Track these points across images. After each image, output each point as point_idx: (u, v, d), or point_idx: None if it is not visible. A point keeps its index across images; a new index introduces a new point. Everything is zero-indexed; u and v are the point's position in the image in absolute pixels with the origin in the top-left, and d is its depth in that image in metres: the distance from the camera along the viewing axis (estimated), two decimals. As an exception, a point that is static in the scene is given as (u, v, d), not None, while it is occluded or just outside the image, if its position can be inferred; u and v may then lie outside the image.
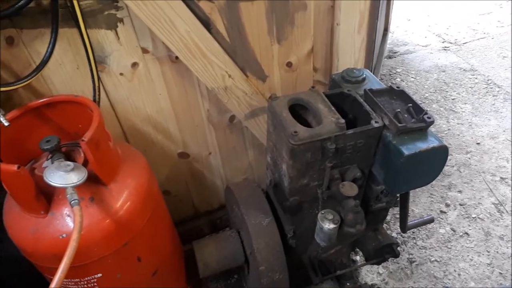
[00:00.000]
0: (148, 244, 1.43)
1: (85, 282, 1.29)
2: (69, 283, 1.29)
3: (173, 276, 1.71)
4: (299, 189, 1.38)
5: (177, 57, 1.54)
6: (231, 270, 1.76)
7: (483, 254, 2.20)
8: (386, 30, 3.60)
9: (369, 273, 2.14)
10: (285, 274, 1.55)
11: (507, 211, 2.42)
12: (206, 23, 1.50)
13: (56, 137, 1.19)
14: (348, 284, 1.97)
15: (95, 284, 1.31)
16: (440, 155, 1.26)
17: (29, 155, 1.31)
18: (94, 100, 1.45)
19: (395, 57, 4.07)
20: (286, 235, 1.55)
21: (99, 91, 1.46)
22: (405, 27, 4.62)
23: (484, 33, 4.36)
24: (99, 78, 1.46)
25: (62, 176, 1.09)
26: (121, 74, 1.54)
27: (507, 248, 2.22)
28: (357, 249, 1.94)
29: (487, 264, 2.16)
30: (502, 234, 2.30)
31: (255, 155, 2.11)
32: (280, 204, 1.59)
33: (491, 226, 2.35)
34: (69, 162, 1.14)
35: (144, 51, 1.52)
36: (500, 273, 2.11)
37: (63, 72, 1.45)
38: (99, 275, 1.30)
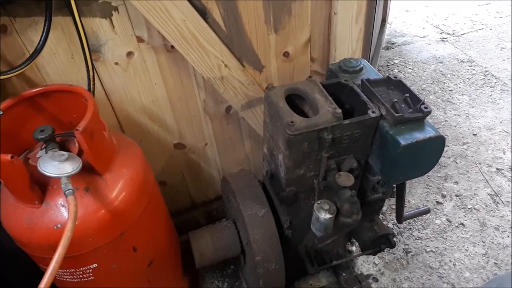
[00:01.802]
0: (143, 235, 1.43)
1: (81, 272, 1.29)
2: (65, 273, 1.29)
3: (169, 266, 1.71)
4: (295, 179, 1.38)
5: (172, 47, 1.53)
6: (228, 260, 1.77)
7: (478, 245, 2.22)
8: (384, 20, 3.58)
9: (365, 263, 2.15)
10: (281, 264, 1.56)
11: (502, 202, 2.43)
12: (203, 12, 1.48)
13: (50, 126, 1.18)
14: (344, 274, 1.98)
15: (91, 274, 1.31)
16: (436, 145, 1.26)
17: (23, 145, 1.30)
18: (89, 90, 1.43)
19: (393, 48, 4.05)
20: (282, 225, 1.55)
21: (93, 81, 1.44)
22: (403, 18, 4.60)
23: (482, 24, 4.34)
24: (93, 67, 1.45)
25: (57, 166, 1.09)
26: (116, 63, 1.52)
27: (502, 238, 2.23)
28: (353, 240, 1.94)
29: (483, 254, 2.17)
30: (498, 225, 2.31)
31: (251, 146, 2.10)
32: (277, 195, 1.58)
33: (486, 217, 2.36)
34: (63, 152, 1.13)
35: (140, 40, 1.50)
36: (495, 263, 2.12)
37: (57, 61, 1.43)
38: (95, 265, 1.29)
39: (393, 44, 4.13)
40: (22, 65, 1.26)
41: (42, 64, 1.41)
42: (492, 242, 2.22)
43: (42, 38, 1.28)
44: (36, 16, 1.30)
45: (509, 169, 2.63)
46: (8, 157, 1.05)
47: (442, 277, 2.08)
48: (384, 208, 2.39)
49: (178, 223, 1.92)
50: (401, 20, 4.56)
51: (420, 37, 4.21)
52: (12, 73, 1.24)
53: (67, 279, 1.32)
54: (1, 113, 1.17)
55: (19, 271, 1.56)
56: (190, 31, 1.47)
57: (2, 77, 1.22)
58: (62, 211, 1.17)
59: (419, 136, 1.21)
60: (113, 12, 1.40)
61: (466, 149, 2.82)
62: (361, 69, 1.50)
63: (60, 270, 1.28)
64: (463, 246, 2.22)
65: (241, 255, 1.72)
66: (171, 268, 1.74)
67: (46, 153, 1.16)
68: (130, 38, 1.48)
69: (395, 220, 1.78)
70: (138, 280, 1.51)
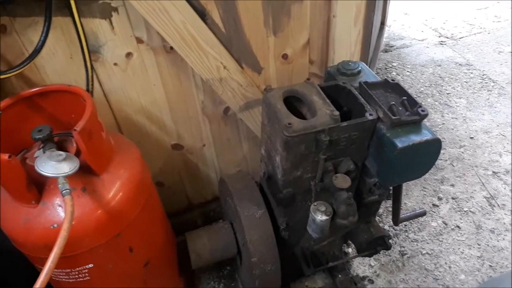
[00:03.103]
0: (140, 235, 1.43)
1: (77, 272, 1.29)
2: (60, 273, 1.29)
3: (165, 267, 1.71)
4: (292, 181, 1.38)
5: (171, 48, 1.53)
6: (224, 261, 1.77)
7: (474, 247, 2.23)
8: (382, 23, 3.59)
9: (360, 265, 2.15)
10: (277, 266, 1.56)
11: (498, 205, 2.44)
12: (202, 14, 1.49)
13: (48, 126, 1.18)
14: (339, 276, 1.99)
15: (87, 274, 1.31)
16: (433, 148, 1.27)
17: (21, 145, 1.30)
18: (88, 90, 1.44)
19: (391, 51, 4.07)
20: (279, 227, 1.56)
21: (92, 81, 1.44)
22: (402, 21, 4.61)
23: (481, 28, 4.36)
24: (92, 67, 1.45)
25: (54, 166, 1.09)
26: (115, 64, 1.52)
27: (498, 241, 2.24)
28: (349, 241, 1.95)
29: (478, 257, 2.18)
30: (493, 228, 2.32)
31: (249, 147, 2.10)
32: (274, 196, 1.59)
33: (482, 220, 2.37)
34: (61, 152, 1.13)
35: (139, 41, 1.51)
36: (490, 265, 2.13)
37: (56, 61, 1.43)
38: (91, 265, 1.29)
39: (391, 47, 4.14)
40: (21, 65, 1.27)
41: (41, 64, 1.41)
42: (488, 245, 2.23)
43: (42, 38, 1.28)
44: (36, 16, 1.30)
45: (505, 172, 2.64)
46: (5, 156, 1.05)
47: (438, 279, 2.08)
48: (380, 210, 2.40)
49: (175, 224, 1.92)
50: (400, 23, 4.58)
51: (419, 40, 4.23)
52: (11, 73, 1.25)
53: (63, 279, 1.32)
54: (0, 112, 1.17)
55: (15, 271, 1.56)
56: (189, 33, 1.48)
57: (1, 76, 1.22)
58: (59, 211, 1.18)
59: (415, 138, 1.22)
60: (112, 13, 1.40)
61: (462, 152, 2.83)
62: (359, 71, 1.50)
63: (56, 270, 1.28)
64: (459, 248, 2.22)
65: (238, 256, 1.73)
66: (167, 268, 1.74)
67: (44, 153, 1.16)
68: (130, 39, 1.49)
69: (392, 222, 1.79)
70: (134, 281, 1.51)
